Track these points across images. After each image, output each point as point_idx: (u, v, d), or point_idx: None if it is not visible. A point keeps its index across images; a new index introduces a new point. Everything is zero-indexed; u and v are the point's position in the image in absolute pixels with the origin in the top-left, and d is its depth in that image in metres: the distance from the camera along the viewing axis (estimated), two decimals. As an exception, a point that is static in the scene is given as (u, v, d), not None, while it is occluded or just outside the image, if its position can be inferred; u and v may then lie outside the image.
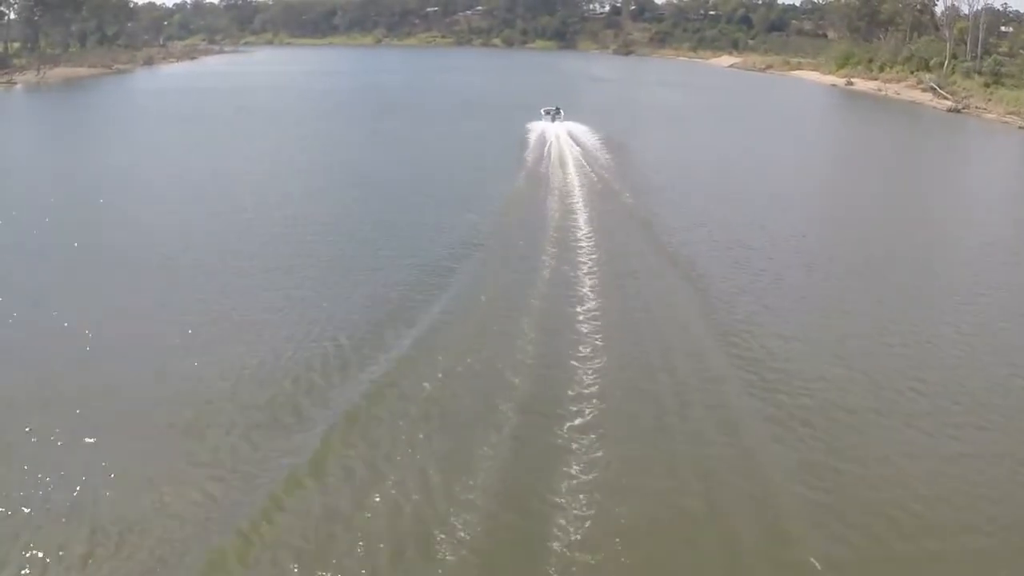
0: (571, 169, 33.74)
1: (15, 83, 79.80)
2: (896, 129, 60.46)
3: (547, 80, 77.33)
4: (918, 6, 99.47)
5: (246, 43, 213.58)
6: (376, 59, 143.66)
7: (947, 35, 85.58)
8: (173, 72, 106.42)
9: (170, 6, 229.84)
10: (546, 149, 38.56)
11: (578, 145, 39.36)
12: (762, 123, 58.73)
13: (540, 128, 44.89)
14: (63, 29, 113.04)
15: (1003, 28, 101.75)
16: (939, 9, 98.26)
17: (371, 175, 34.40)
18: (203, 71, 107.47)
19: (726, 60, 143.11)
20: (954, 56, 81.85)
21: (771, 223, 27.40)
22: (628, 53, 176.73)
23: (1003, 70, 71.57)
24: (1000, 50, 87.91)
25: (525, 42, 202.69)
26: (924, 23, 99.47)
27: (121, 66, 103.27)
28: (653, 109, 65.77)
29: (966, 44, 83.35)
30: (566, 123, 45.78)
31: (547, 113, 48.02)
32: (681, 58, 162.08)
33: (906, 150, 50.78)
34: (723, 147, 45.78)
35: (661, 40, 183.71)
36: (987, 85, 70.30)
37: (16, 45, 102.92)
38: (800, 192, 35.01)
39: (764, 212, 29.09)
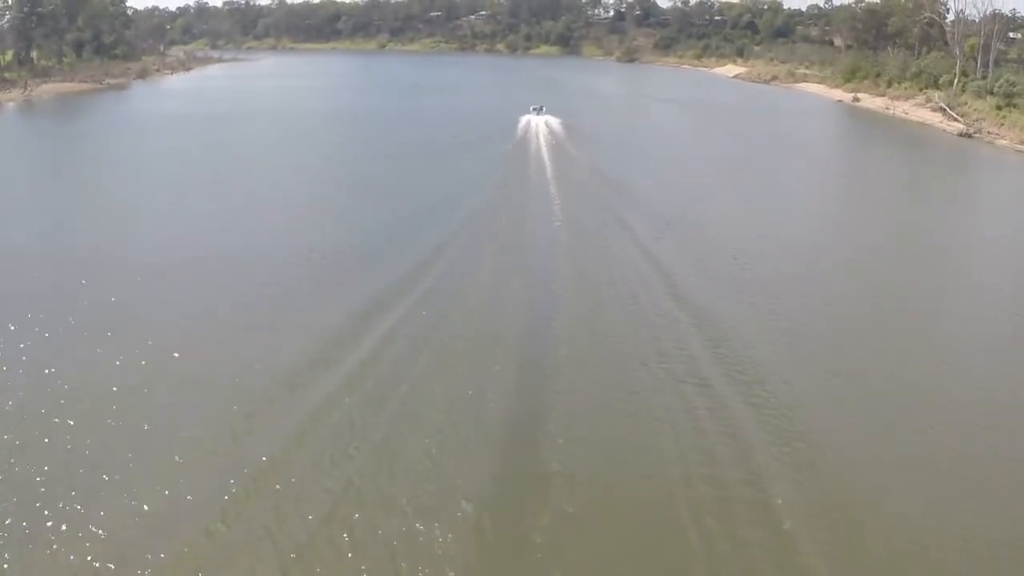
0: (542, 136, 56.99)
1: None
2: (909, 165, 54.90)
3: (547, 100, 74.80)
4: (926, 19, 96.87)
5: (248, 48, 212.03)
6: (382, 66, 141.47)
7: (957, 52, 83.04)
8: (168, 88, 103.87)
9: (173, 10, 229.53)
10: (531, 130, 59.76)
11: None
12: (766, 158, 52.82)
13: (528, 119, 63.60)
14: (57, 39, 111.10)
15: (1011, 34, 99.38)
16: (949, 20, 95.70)
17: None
18: (199, 86, 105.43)
19: (731, 70, 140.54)
20: (964, 73, 79.34)
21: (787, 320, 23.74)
22: (632, 60, 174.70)
23: (1015, 90, 68.60)
24: (1009, 57, 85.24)
25: (529, 48, 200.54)
26: (933, 36, 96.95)
27: (113, 80, 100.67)
28: (653, 141, 61.20)
29: (976, 60, 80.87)
30: (545, 116, 64.52)
31: (534, 109, 65.99)
32: (685, 66, 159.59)
33: (926, 194, 44.01)
34: (724, 198, 39.71)
35: (666, 46, 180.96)
36: (999, 107, 67.64)
37: (8, 56, 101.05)
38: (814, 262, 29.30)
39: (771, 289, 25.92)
